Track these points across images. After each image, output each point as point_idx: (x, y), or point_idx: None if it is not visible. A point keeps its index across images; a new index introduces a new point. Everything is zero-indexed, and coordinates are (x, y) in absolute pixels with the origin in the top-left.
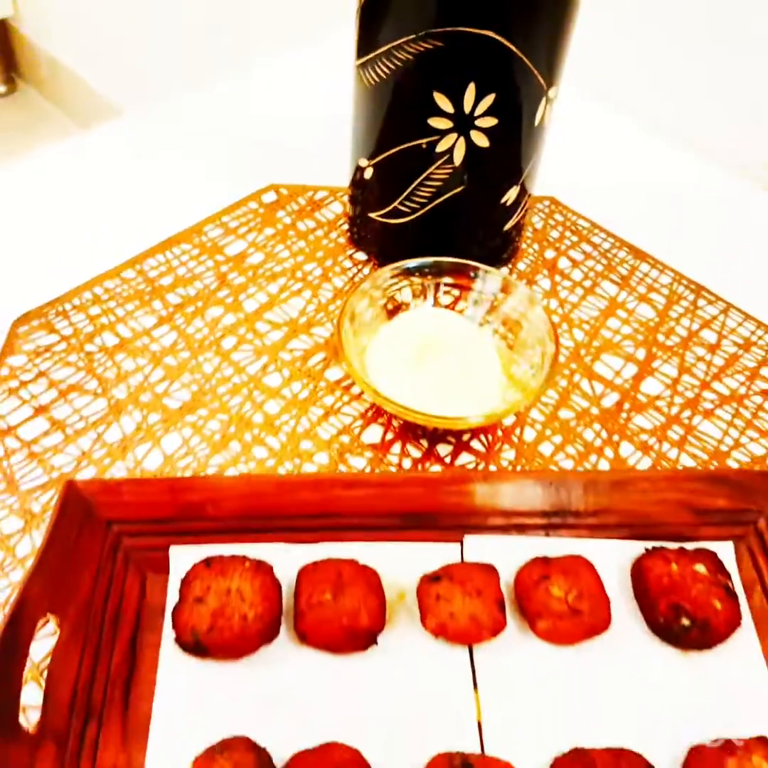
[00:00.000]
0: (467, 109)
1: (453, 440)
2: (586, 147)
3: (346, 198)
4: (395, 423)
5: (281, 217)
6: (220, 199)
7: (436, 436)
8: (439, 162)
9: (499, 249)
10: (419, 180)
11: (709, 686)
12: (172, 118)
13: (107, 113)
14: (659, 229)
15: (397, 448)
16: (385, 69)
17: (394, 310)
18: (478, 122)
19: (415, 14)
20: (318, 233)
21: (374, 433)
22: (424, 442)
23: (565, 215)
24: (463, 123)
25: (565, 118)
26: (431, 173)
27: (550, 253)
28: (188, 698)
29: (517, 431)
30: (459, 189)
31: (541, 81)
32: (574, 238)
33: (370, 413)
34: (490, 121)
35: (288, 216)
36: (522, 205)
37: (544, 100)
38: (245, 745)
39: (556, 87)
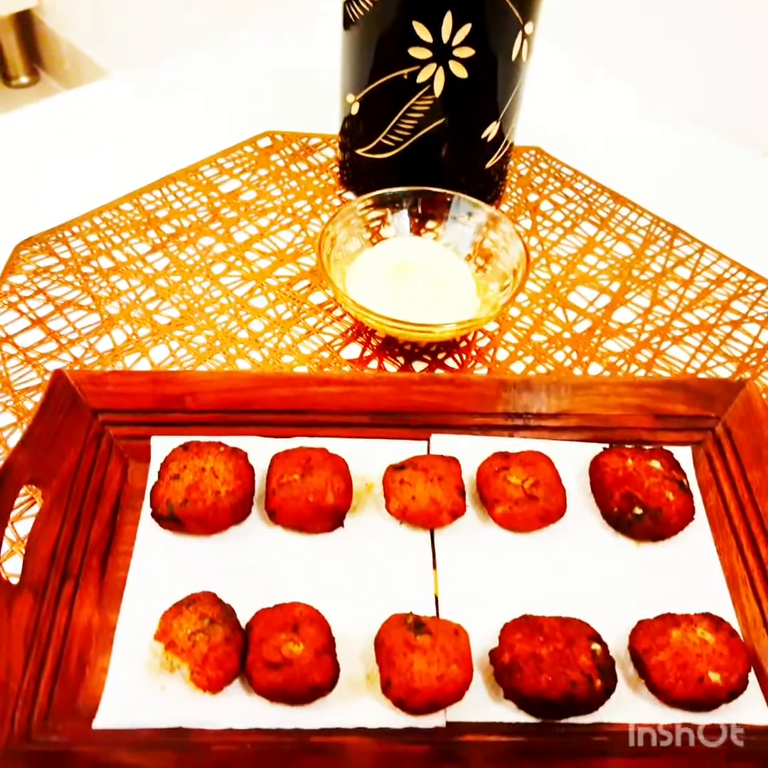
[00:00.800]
0: (445, 38)
1: (428, 358)
2: (572, 100)
3: (337, 143)
4: (374, 342)
5: (275, 160)
6: (217, 145)
7: (413, 353)
8: (420, 93)
9: (482, 191)
10: (402, 112)
11: (660, 573)
12: (177, 70)
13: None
14: (640, 177)
15: (374, 364)
16: (368, 1)
17: (375, 241)
18: (456, 52)
19: None
20: (309, 175)
21: (353, 351)
22: (401, 360)
23: (549, 163)
24: (441, 52)
25: (552, 72)
26: (413, 105)
27: (533, 197)
28: (162, 568)
29: (491, 352)
30: (440, 121)
31: (517, 14)
32: (557, 184)
33: (350, 332)
34: (468, 51)
35: (282, 159)
36: (503, 143)
37: (520, 34)
38: (211, 600)
39: (533, 23)
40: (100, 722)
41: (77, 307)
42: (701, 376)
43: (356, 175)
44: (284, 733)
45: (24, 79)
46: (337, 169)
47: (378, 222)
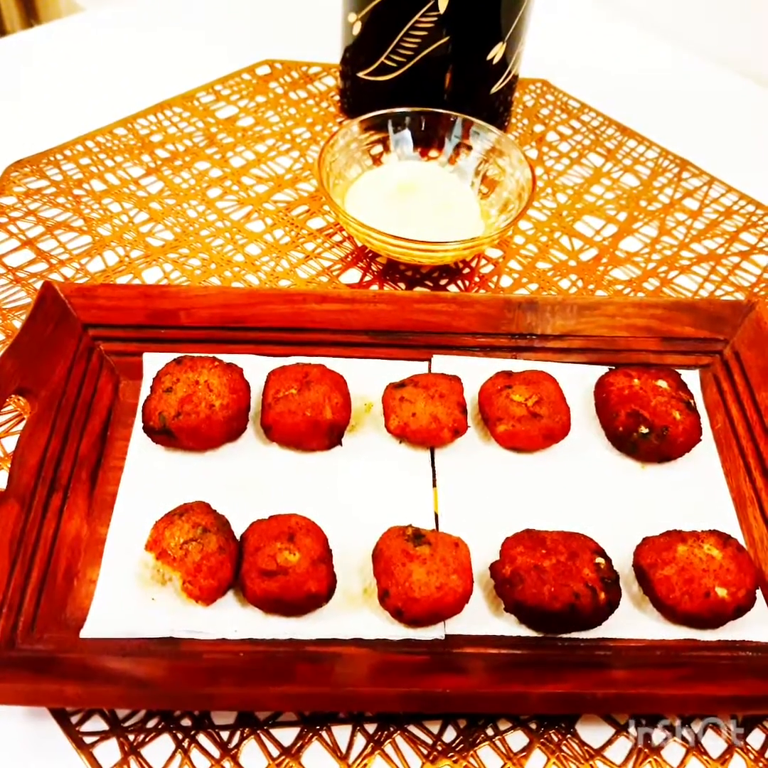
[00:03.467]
0: None
1: (430, 284)
2: (580, 33)
3: (338, 72)
4: (374, 267)
5: (274, 88)
6: (215, 72)
7: (414, 279)
8: (424, 9)
9: (487, 119)
10: (405, 29)
11: (666, 493)
12: (170, 3)
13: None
14: (649, 111)
15: (375, 288)
16: None
17: (375, 166)
18: None
19: None
20: (309, 103)
21: (353, 276)
22: (402, 285)
23: (556, 95)
24: None
25: (559, 4)
26: (416, 22)
27: (538, 128)
28: (154, 483)
29: (494, 278)
30: (444, 40)
31: None
32: (564, 116)
33: (350, 258)
34: None
35: (281, 86)
36: (508, 68)
37: None
38: (204, 509)
39: None
40: (87, 631)
41: (68, 228)
42: None
43: (357, 102)
44: (279, 643)
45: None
46: (337, 98)
47: (379, 147)
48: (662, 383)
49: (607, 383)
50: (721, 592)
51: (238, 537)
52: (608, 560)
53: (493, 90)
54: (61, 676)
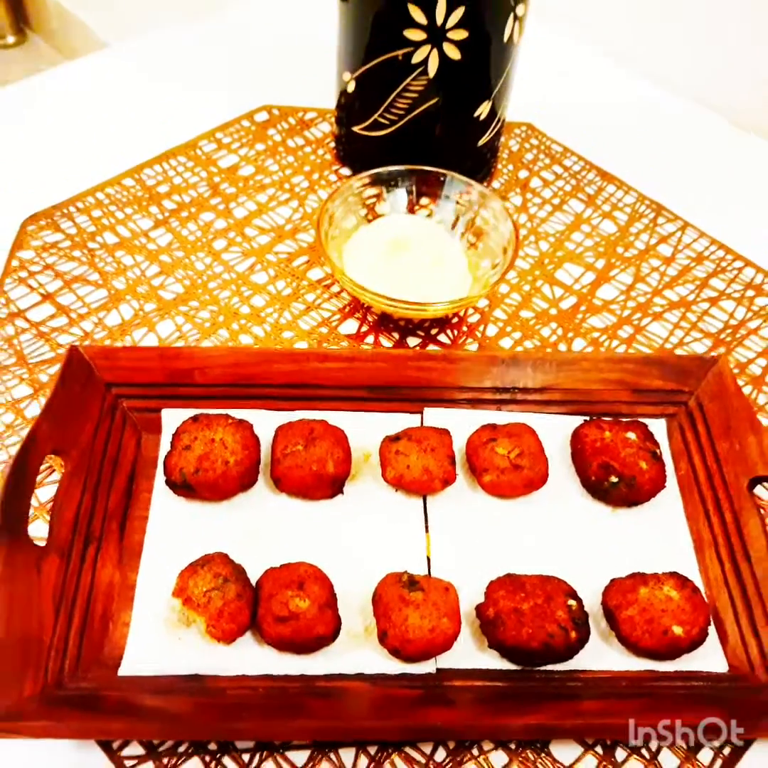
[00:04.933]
0: (439, 20)
1: (422, 333)
2: (564, 78)
3: (333, 118)
4: (370, 317)
5: (272, 135)
6: (215, 118)
7: (407, 329)
8: (415, 73)
9: (474, 168)
10: (397, 91)
11: (633, 536)
12: (173, 44)
13: (94, 47)
14: (628, 155)
15: (370, 339)
16: None
17: (371, 218)
18: (449, 34)
19: None
20: (306, 150)
21: (351, 326)
22: (396, 335)
23: (540, 140)
24: (435, 35)
25: (543, 48)
26: (408, 84)
27: (523, 174)
28: (176, 531)
29: (481, 327)
30: (434, 101)
31: None
32: (547, 161)
33: (347, 308)
34: (461, 34)
35: (279, 134)
36: (495, 121)
37: (512, 16)
38: (223, 560)
39: (524, 5)
40: (124, 670)
41: (85, 282)
42: (678, 351)
43: (352, 151)
44: (291, 678)
45: (10, 39)
46: (333, 145)
47: (374, 199)
48: (631, 435)
49: (581, 435)
50: (678, 630)
51: (253, 582)
52: (579, 601)
53: (480, 143)
54: (105, 712)
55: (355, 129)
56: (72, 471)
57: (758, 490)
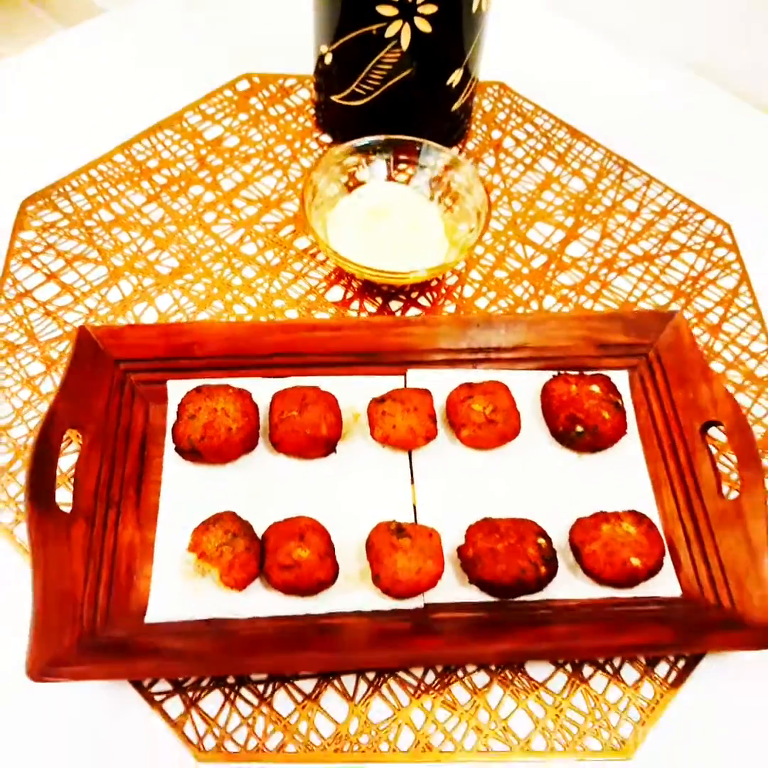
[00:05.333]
0: None
1: (403, 297)
2: (534, 36)
3: (312, 85)
4: (355, 284)
5: (254, 104)
6: (199, 88)
7: (389, 294)
8: (389, 47)
9: (449, 130)
10: (372, 64)
11: (597, 478)
12: (152, 15)
13: (88, 11)
14: (596, 110)
15: (356, 304)
16: None
17: (352, 185)
18: (420, 9)
19: None
20: (287, 118)
21: (337, 293)
22: (379, 300)
23: (512, 99)
24: (407, 10)
25: (513, 9)
26: (382, 57)
27: (496, 134)
28: (187, 492)
29: (458, 289)
30: (408, 72)
31: None
32: (519, 120)
33: (333, 276)
34: (431, 9)
35: (260, 102)
36: (467, 87)
37: None
38: (232, 517)
39: None
40: (150, 617)
41: (85, 260)
42: (642, 304)
43: (332, 119)
44: (297, 618)
45: None
46: (313, 112)
47: (354, 168)
48: (595, 387)
49: (549, 389)
50: (635, 561)
51: (259, 535)
52: (548, 540)
53: (454, 108)
54: (135, 656)
55: (334, 98)
56: (90, 443)
57: (710, 433)
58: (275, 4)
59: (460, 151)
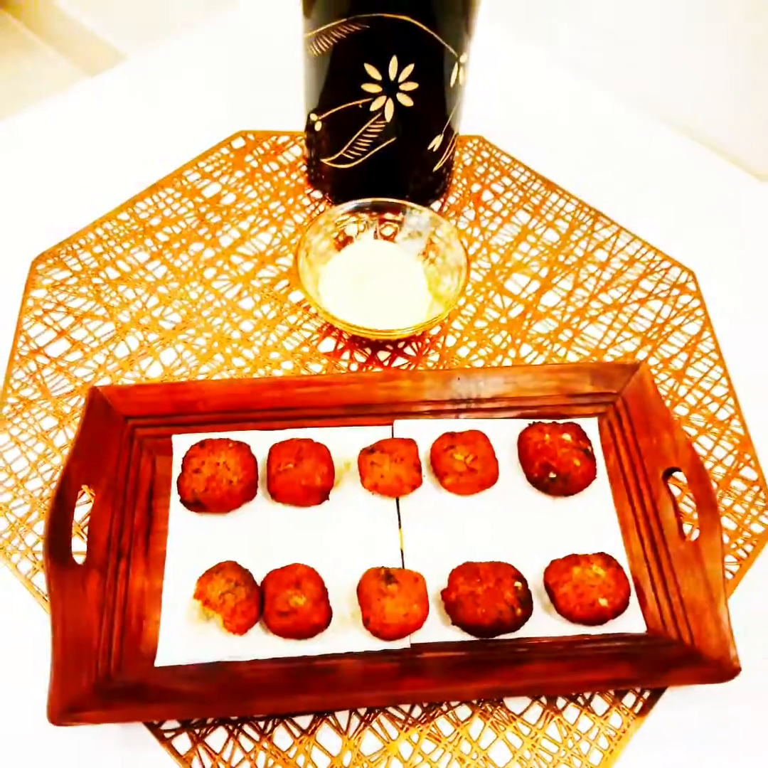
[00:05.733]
0: (392, 76)
1: (390, 347)
2: (512, 90)
3: (303, 142)
4: (345, 335)
5: (249, 161)
6: (198, 143)
7: (377, 344)
8: (374, 119)
9: (431, 185)
10: (359, 133)
11: (570, 521)
12: (149, 74)
13: (112, 58)
14: (569, 162)
15: (346, 355)
16: (326, 43)
17: (343, 241)
18: (402, 86)
19: (343, 2)
20: (281, 175)
21: (328, 344)
22: (368, 350)
23: (490, 152)
24: (390, 87)
25: (493, 63)
26: (368, 128)
27: (476, 187)
28: (192, 541)
29: (441, 339)
30: (392, 140)
31: (452, 51)
32: (497, 173)
33: (325, 328)
34: (412, 85)
35: (255, 160)
36: (447, 149)
37: (456, 65)
38: (233, 567)
39: (467, 53)
40: (159, 661)
41: (93, 317)
42: (612, 351)
43: (322, 178)
44: (294, 659)
45: None
46: (304, 169)
47: (344, 227)
48: (566, 436)
49: (525, 438)
50: (603, 601)
51: (259, 581)
52: (524, 582)
53: (435, 168)
54: (146, 699)
55: (324, 161)
56: (102, 498)
57: (675, 475)
58: (269, 61)
59: (443, 205)
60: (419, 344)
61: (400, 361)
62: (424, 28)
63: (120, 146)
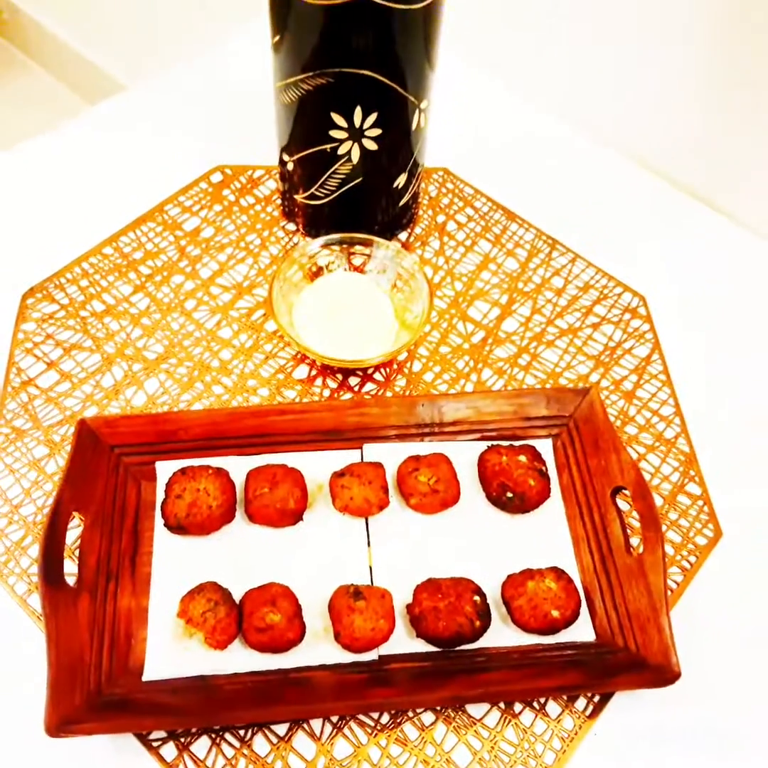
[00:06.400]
0: (357, 124)
1: (361, 373)
2: (475, 123)
3: (278, 175)
4: (318, 362)
5: (227, 195)
6: (177, 180)
7: (348, 371)
8: (341, 161)
9: (399, 217)
10: (328, 174)
11: (526, 537)
12: (129, 112)
13: (111, 88)
14: (528, 192)
15: (319, 381)
16: (295, 93)
17: (315, 272)
18: (367, 133)
19: (309, 58)
20: (257, 208)
21: (302, 371)
22: (339, 376)
23: (454, 184)
24: (355, 134)
25: (457, 96)
26: (336, 169)
27: (441, 218)
28: (175, 562)
29: (408, 364)
30: (359, 180)
31: (413, 99)
32: (461, 204)
33: (299, 356)
34: (376, 131)
35: (232, 193)
36: (412, 185)
37: (417, 111)
38: (214, 587)
39: (427, 99)
40: (146, 675)
41: (81, 349)
42: (567, 373)
43: (295, 212)
44: (271, 672)
45: None
46: (279, 202)
47: (316, 259)
48: (522, 458)
49: (484, 460)
50: (555, 613)
51: (237, 599)
52: (483, 596)
53: (401, 203)
54: (135, 711)
55: (296, 197)
56: (91, 524)
57: (622, 494)
58: (245, 96)
59: (410, 235)
60: (387, 370)
61: (369, 386)
62: (386, 81)
63: (103, 182)
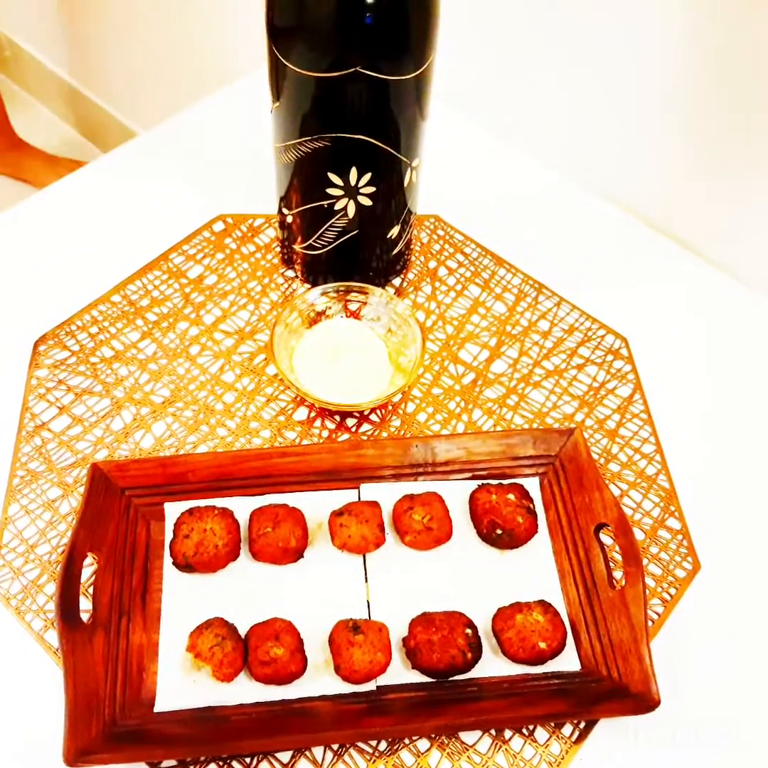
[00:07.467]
0: (353, 182)
1: (357, 415)
2: (466, 171)
3: (277, 224)
4: (318, 405)
5: (228, 243)
6: (181, 228)
7: (346, 413)
8: (338, 216)
9: (393, 263)
10: (325, 227)
11: (514, 572)
12: (135, 163)
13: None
14: (515, 238)
15: (318, 422)
16: (294, 154)
17: (314, 318)
18: (362, 190)
19: (306, 123)
20: (257, 256)
21: (302, 413)
22: (337, 418)
23: (445, 230)
24: (351, 191)
25: (447, 145)
26: (332, 223)
27: (432, 263)
28: (183, 599)
29: (403, 406)
30: (354, 232)
31: (405, 159)
32: (451, 250)
33: (298, 398)
34: (370, 189)
35: (234, 242)
36: (404, 234)
37: (409, 169)
38: (221, 623)
39: (419, 158)
40: (158, 707)
41: (91, 394)
42: (553, 413)
43: (294, 260)
44: (275, 703)
45: None
46: (279, 249)
47: (315, 306)
48: (511, 496)
49: (475, 498)
50: (542, 644)
51: (243, 634)
52: (475, 629)
53: (394, 252)
54: (147, 741)
55: (295, 246)
56: (104, 564)
57: (606, 530)
58: (246, 145)
59: (403, 281)
60: (383, 411)
61: (366, 426)
62: (380, 144)
63: (110, 232)
